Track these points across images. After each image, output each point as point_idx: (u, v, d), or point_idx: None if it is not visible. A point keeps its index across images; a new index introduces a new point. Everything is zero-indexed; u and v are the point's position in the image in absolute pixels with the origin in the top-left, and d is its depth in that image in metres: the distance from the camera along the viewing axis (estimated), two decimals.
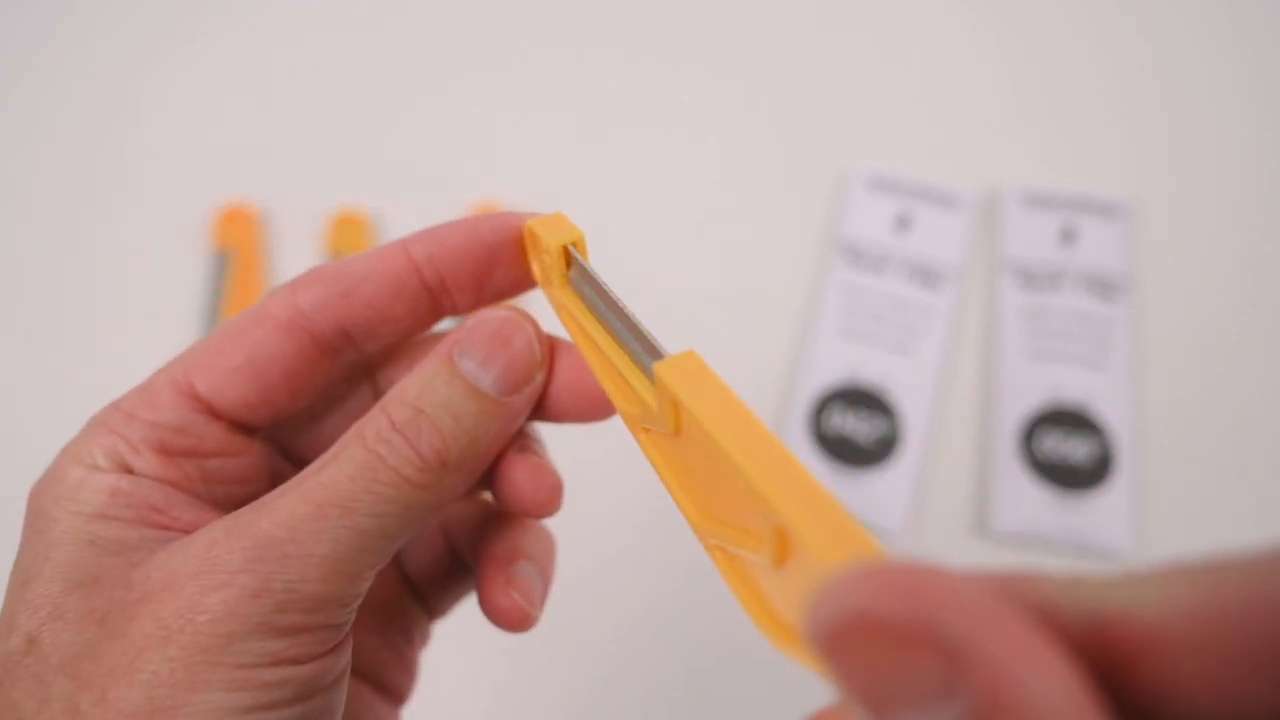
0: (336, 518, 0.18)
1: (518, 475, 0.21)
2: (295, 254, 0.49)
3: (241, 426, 0.21)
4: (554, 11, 0.56)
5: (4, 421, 0.46)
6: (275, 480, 0.22)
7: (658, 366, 0.17)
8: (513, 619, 0.22)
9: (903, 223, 0.49)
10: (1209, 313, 0.47)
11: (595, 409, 0.22)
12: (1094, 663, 0.11)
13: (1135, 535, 0.42)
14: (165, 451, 0.20)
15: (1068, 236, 0.48)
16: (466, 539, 0.25)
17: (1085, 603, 0.11)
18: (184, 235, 0.49)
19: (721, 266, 0.49)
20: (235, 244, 0.48)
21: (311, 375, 0.21)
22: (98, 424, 0.21)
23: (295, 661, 0.18)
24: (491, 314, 0.21)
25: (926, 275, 0.48)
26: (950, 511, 0.44)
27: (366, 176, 0.51)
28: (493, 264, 0.22)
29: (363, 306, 0.21)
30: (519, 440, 0.22)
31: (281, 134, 0.53)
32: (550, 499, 0.22)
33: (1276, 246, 0.49)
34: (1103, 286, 0.47)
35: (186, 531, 0.19)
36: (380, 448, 0.19)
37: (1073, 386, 0.45)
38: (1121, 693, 0.11)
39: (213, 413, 0.21)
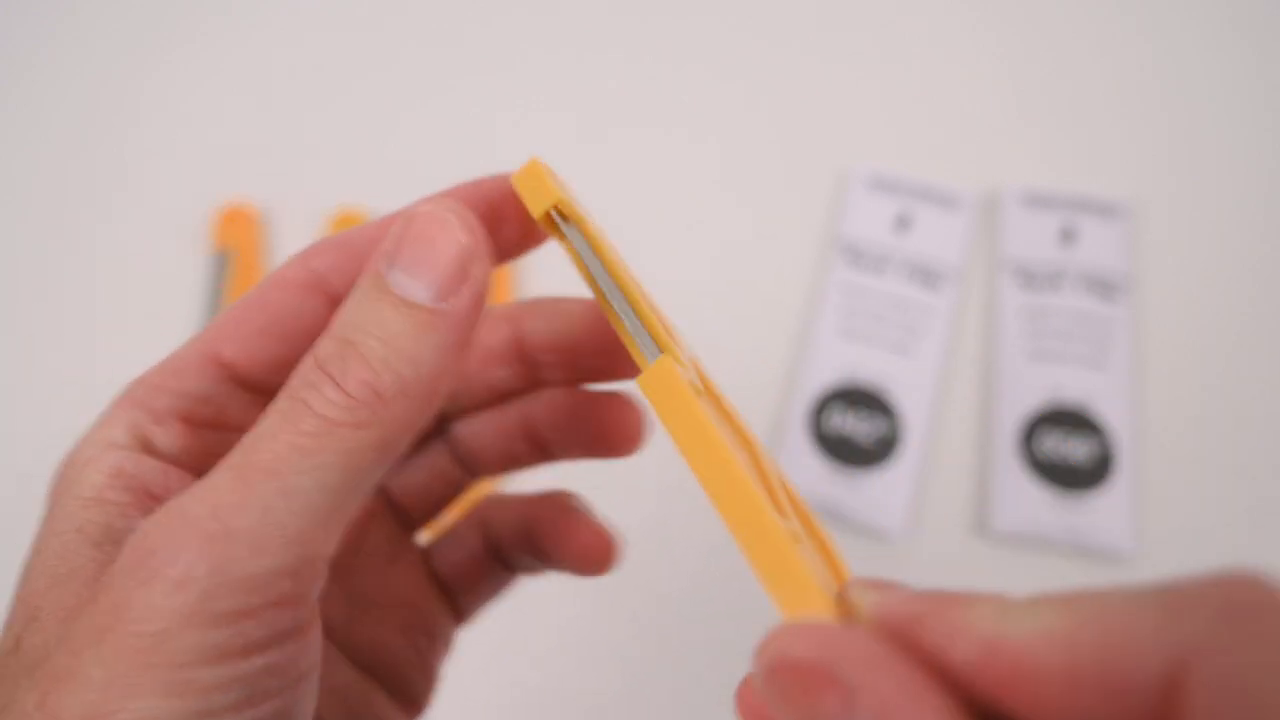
0: (260, 482, 0.16)
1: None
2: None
3: (268, 393, 0.20)
4: (554, 11, 0.56)
5: (4, 421, 0.46)
6: None
7: (639, 381, 0.17)
8: (599, 551, 0.22)
9: (903, 223, 0.49)
10: (1209, 313, 0.47)
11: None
12: (977, 688, 0.13)
13: (1135, 535, 0.42)
14: (191, 422, 0.20)
15: (1068, 236, 0.48)
16: (512, 534, 0.25)
17: (978, 635, 0.13)
18: (184, 235, 0.49)
19: (721, 266, 0.49)
20: (235, 244, 0.48)
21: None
22: (124, 399, 0.20)
23: (241, 654, 0.16)
24: (414, 210, 0.18)
25: (926, 275, 0.48)
26: (950, 511, 0.44)
27: (366, 176, 0.51)
28: (498, 223, 0.21)
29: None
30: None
31: (281, 134, 0.53)
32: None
33: (1277, 246, 0.49)
34: (1103, 286, 0.47)
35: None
36: (303, 391, 0.17)
37: (1073, 386, 0.45)
38: (998, 711, 0.13)
39: (239, 380, 0.20)
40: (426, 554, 0.26)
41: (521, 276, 0.48)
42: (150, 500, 0.19)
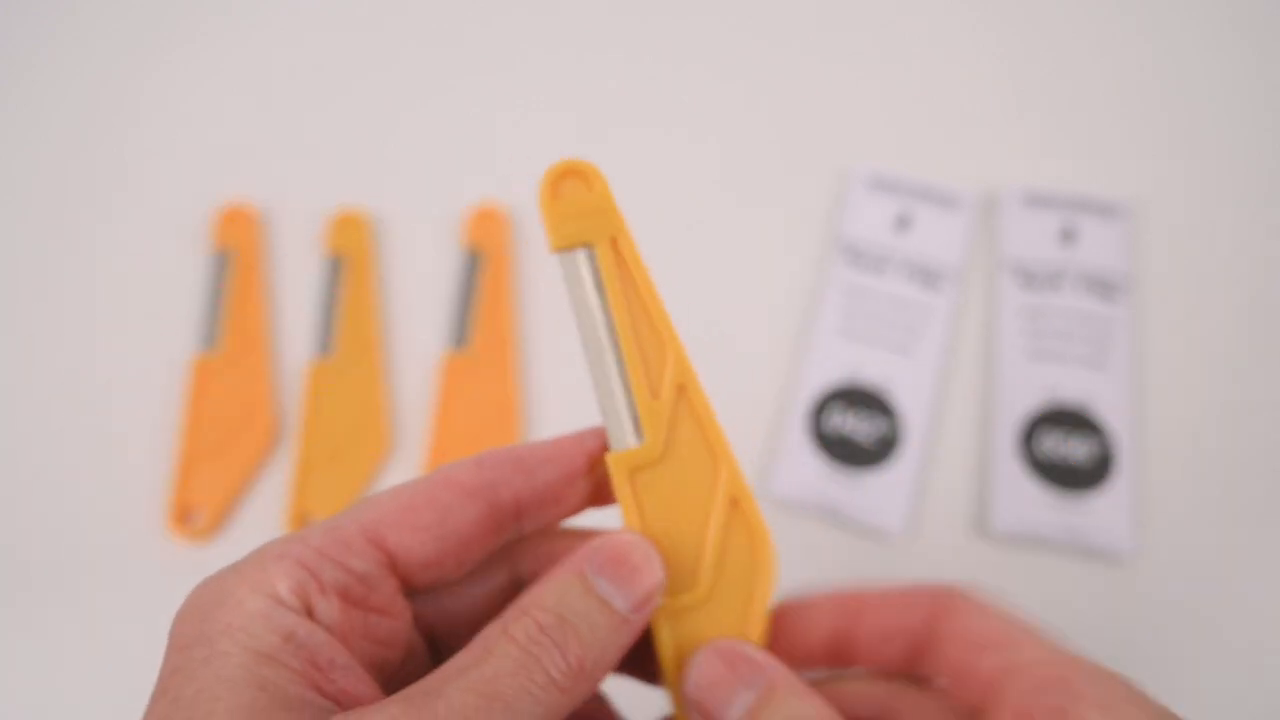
0: (500, 712, 0.19)
1: None
2: (295, 254, 0.49)
3: (410, 586, 0.22)
4: (554, 12, 0.56)
5: (4, 421, 0.46)
6: (410, 648, 0.23)
7: (609, 459, 0.24)
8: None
9: (903, 222, 0.49)
10: (1209, 313, 0.48)
11: None
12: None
13: (1135, 535, 0.42)
14: (347, 599, 0.21)
15: (1068, 236, 0.48)
16: None
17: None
18: (184, 235, 0.49)
19: (721, 266, 0.49)
20: (235, 244, 0.48)
21: (482, 545, 0.23)
22: (281, 554, 0.20)
23: None
24: (619, 537, 0.23)
25: (927, 275, 0.48)
26: (950, 511, 0.44)
27: (366, 176, 0.51)
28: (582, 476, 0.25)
29: (543, 487, 0.24)
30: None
31: (281, 134, 0.53)
32: None
33: (1277, 246, 0.49)
34: (1103, 286, 0.47)
35: (339, 699, 0.20)
36: (534, 648, 0.20)
37: (1073, 386, 0.45)
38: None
39: (393, 568, 0.22)
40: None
41: (521, 277, 0.48)
42: (317, 673, 0.20)
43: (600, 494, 0.25)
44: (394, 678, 0.22)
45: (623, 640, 0.22)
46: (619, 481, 0.24)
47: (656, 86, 0.54)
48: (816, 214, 0.50)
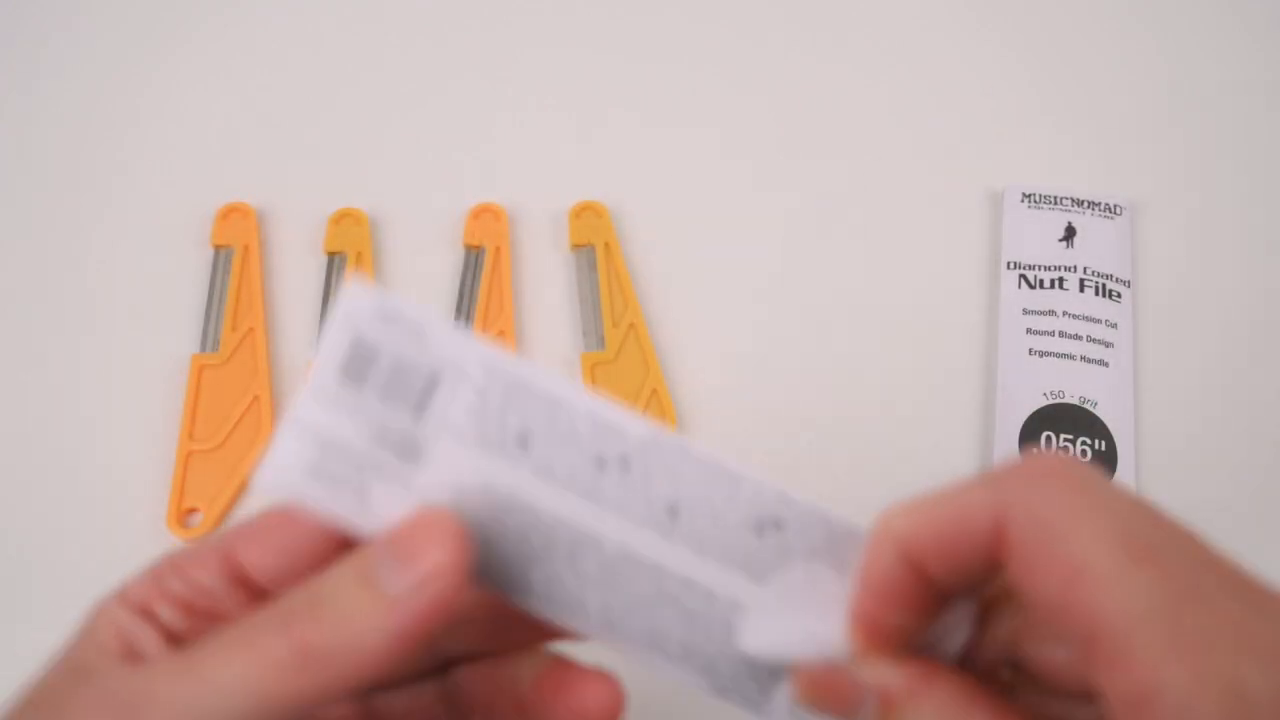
0: (188, 687, 0.19)
1: (576, 693, 0.22)
2: (295, 254, 0.49)
3: (264, 596, 0.22)
4: (554, 12, 0.56)
5: (3, 421, 0.46)
6: None
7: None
8: (606, 702, 0.22)
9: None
10: (1209, 312, 0.47)
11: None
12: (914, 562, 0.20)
13: None
14: (189, 610, 0.22)
15: (1068, 236, 0.48)
16: (481, 697, 0.25)
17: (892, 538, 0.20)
18: (183, 235, 0.49)
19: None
20: (235, 244, 0.48)
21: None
22: (150, 567, 0.22)
23: None
24: (418, 513, 0.20)
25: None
26: None
27: (366, 176, 0.51)
28: None
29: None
30: (542, 656, 0.23)
31: (281, 134, 0.53)
32: (616, 712, 0.22)
33: (1277, 246, 0.49)
34: (1103, 286, 0.47)
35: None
36: (257, 627, 0.19)
37: (1073, 386, 0.45)
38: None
39: (245, 581, 0.22)
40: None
41: (521, 276, 0.48)
42: (131, 655, 0.21)
43: None
44: None
45: (388, 625, 0.19)
46: (585, 371, 0.42)
47: (655, 88, 0.54)
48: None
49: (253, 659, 0.19)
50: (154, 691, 0.19)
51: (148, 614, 0.21)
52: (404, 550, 0.20)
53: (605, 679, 0.23)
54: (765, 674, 0.22)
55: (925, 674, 0.20)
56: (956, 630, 0.21)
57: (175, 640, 0.21)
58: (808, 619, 0.21)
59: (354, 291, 0.20)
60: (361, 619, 0.19)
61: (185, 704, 0.18)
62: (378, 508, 0.21)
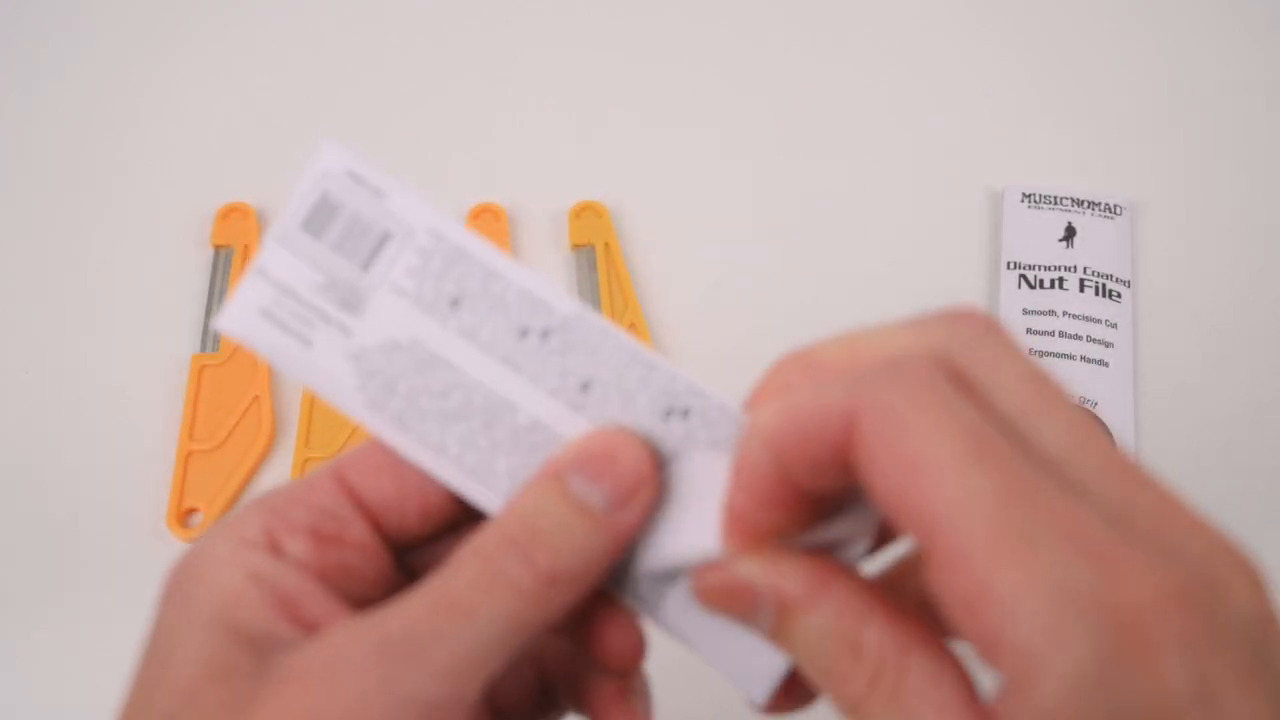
0: (457, 622, 0.19)
1: (606, 626, 0.23)
2: None
3: (383, 531, 0.23)
4: (555, 11, 0.56)
5: (4, 421, 0.46)
6: (397, 591, 0.23)
7: None
8: (628, 647, 0.23)
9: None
10: (1209, 312, 0.47)
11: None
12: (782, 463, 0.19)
13: None
14: (317, 536, 0.22)
15: (1068, 236, 0.48)
16: (564, 674, 0.25)
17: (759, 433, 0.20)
18: (184, 235, 0.49)
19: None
20: (235, 244, 0.48)
21: (446, 494, 0.23)
22: (255, 505, 0.22)
23: None
24: (600, 434, 0.22)
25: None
26: None
27: None
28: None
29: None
30: (607, 600, 0.24)
31: (281, 134, 0.53)
32: (636, 655, 0.23)
33: (1276, 246, 0.49)
34: (1103, 286, 0.47)
35: (313, 628, 0.20)
36: (498, 559, 0.20)
37: (1074, 386, 0.45)
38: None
39: (361, 504, 0.22)
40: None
41: None
42: (288, 604, 0.20)
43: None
44: None
45: (604, 543, 0.21)
46: None
47: (655, 88, 0.54)
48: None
49: (509, 591, 0.20)
50: (426, 634, 0.19)
51: (279, 551, 0.21)
52: (600, 468, 0.21)
53: (631, 622, 0.23)
54: (658, 574, 0.22)
55: (822, 578, 0.19)
56: (856, 537, 0.21)
57: (320, 576, 0.21)
58: (695, 510, 0.22)
59: (331, 151, 0.22)
60: (585, 540, 0.20)
61: (465, 639, 0.19)
62: (318, 352, 0.22)
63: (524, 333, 0.22)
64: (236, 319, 0.22)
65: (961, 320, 0.19)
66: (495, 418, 0.22)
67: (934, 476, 0.16)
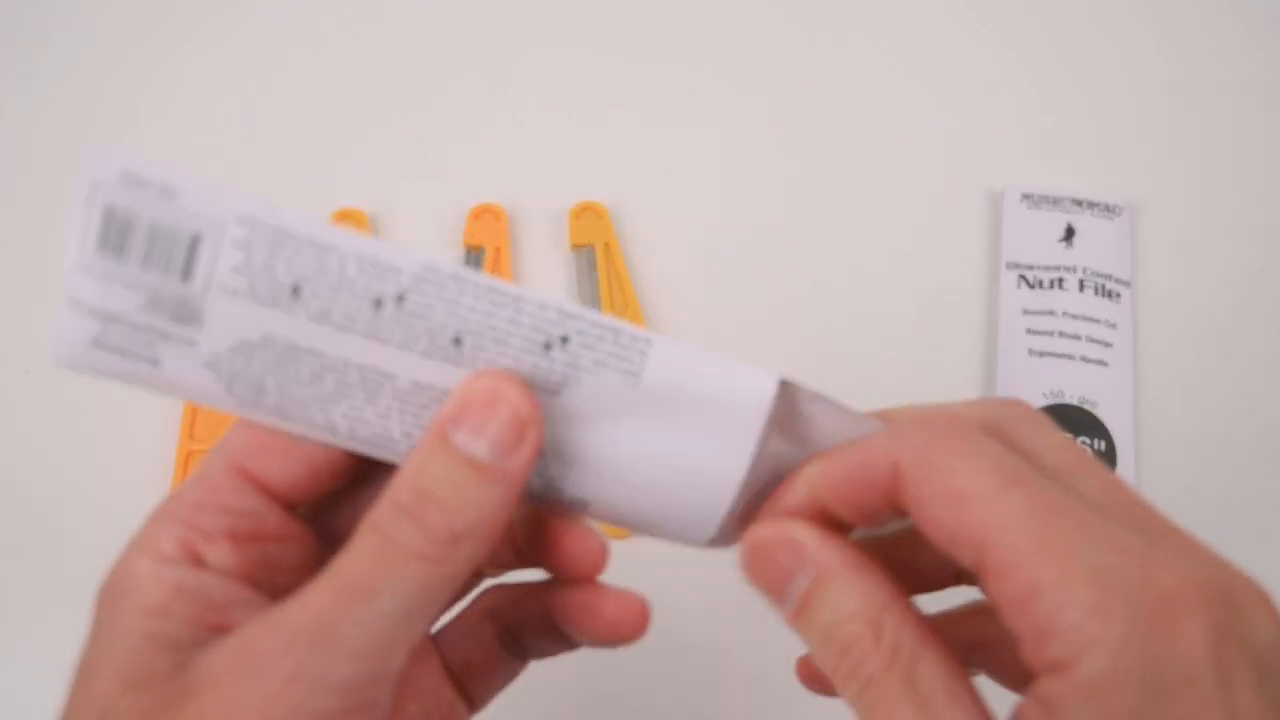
0: (360, 604, 0.19)
1: (565, 540, 0.24)
2: None
3: (293, 505, 0.23)
4: (553, 12, 0.56)
5: (4, 421, 0.46)
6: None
7: None
8: (631, 617, 0.24)
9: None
10: (1209, 312, 0.48)
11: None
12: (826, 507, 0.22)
13: None
14: (235, 538, 0.21)
15: (1068, 236, 0.48)
16: (528, 620, 0.26)
17: (803, 485, 0.22)
18: None
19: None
20: None
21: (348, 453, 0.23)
22: (164, 516, 0.21)
23: None
24: (475, 383, 0.21)
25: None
26: None
27: (366, 177, 0.51)
28: None
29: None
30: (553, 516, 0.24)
31: (281, 134, 0.53)
32: (598, 560, 0.24)
33: (1276, 246, 0.49)
34: (1103, 286, 0.47)
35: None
36: (391, 529, 0.20)
37: (1073, 386, 0.45)
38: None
39: (268, 492, 0.22)
40: (439, 650, 0.27)
41: (521, 277, 0.48)
42: (212, 614, 0.20)
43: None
44: None
45: (499, 494, 0.20)
46: None
47: (655, 88, 0.54)
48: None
49: (407, 561, 0.20)
50: (332, 620, 0.19)
51: (199, 563, 0.21)
52: (478, 417, 0.20)
53: (632, 595, 0.24)
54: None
55: (859, 560, 0.21)
56: None
57: (245, 579, 0.21)
58: (595, 431, 0.22)
59: (95, 157, 0.19)
60: (476, 493, 0.20)
61: (370, 618, 0.19)
62: (170, 368, 0.21)
63: (378, 303, 0.20)
64: (66, 355, 0.21)
65: (1007, 402, 0.22)
66: (376, 390, 0.21)
67: (977, 504, 0.19)
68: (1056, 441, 0.21)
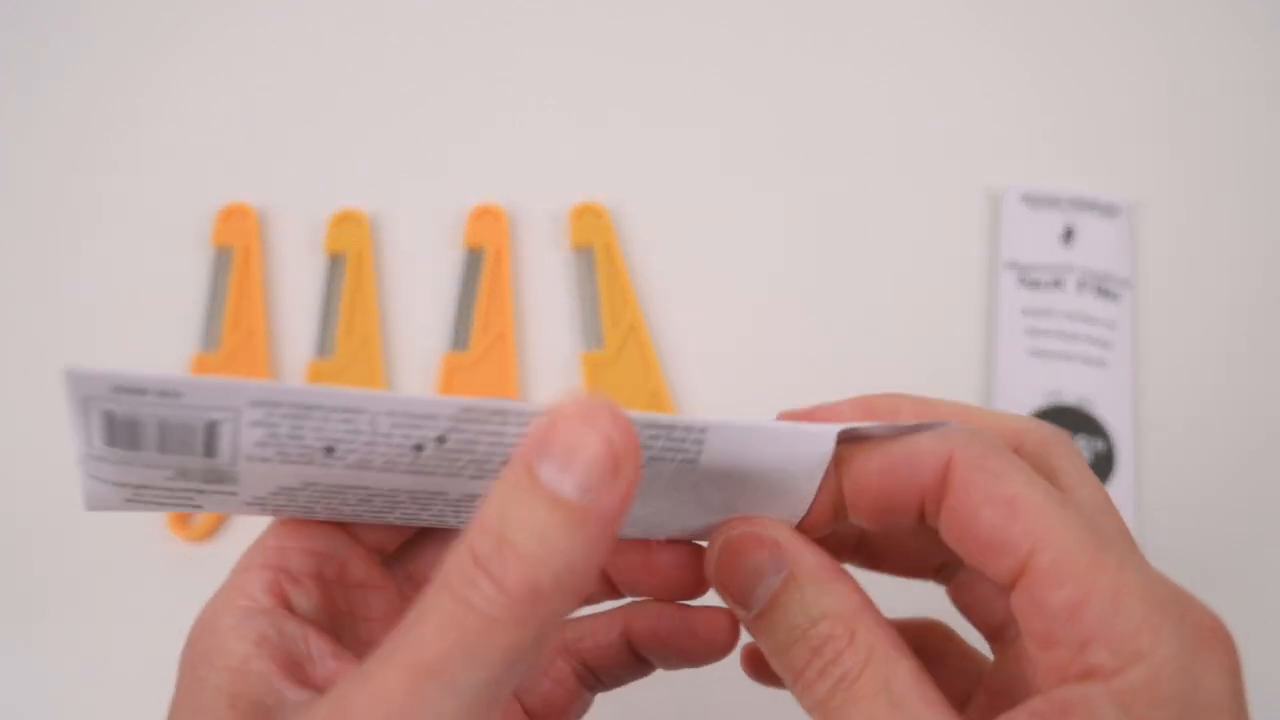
0: (431, 686, 0.17)
1: (660, 559, 0.24)
2: (295, 254, 0.49)
3: (378, 550, 0.22)
4: (553, 12, 0.56)
5: (4, 421, 0.46)
6: None
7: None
8: (724, 630, 0.24)
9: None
10: (1209, 313, 0.48)
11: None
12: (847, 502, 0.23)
13: (1136, 534, 0.42)
14: (320, 580, 0.21)
15: (1068, 236, 0.48)
16: (608, 651, 0.25)
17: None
18: (184, 235, 0.49)
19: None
20: (235, 244, 0.48)
21: None
22: (250, 561, 0.21)
23: None
24: (564, 406, 0.18)
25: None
26: None
27: (366, 176, 0.51)
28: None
29: None
30: (656, 604, 0.24)
31: (281, 134, 0.53)
32: (699, 575, 0.23)
33: (1277, 246, 0.49)
34: (1103, 286, 0.47)
35: (323, 687, 0.19)
36: (465, 590, 0.17)
37: (1073, 386, 0.45)
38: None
39: (356, 538, 0.22)
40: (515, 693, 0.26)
41: (521, 277, 0.48)
42: (295, 667, 0.20)
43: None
44: None
45: (590, 538, 0.17)
46: (585, 371, 0.43)
47: (655, 88, 0.54)
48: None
49: (483, 628, 0.17)
50: (402, 710, 0.17)
51: (288, 607, 0.20)
52: (566, 447, 0.17)
53: (720, 609, 0.24)
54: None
55: (835, 566, 0.22)
56: None
57: (328, 628, 0.20)
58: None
59: (80, 379, 0.17)
60: (565, 539, 0.17)
61: (446, 703, 0.17)
62: (214, 507, 0.21)
63: (419, 447, 0.19)
64: (100, 507, 0.20)
65: (1050, 428, 0.24)
66: (428, 502, 0.21)
67: (1032, 512, 0.19)
68: (1090, 480, 0.22)
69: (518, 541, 0.17)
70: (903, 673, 0.20)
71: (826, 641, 0.20)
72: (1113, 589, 0.18)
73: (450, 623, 0.17)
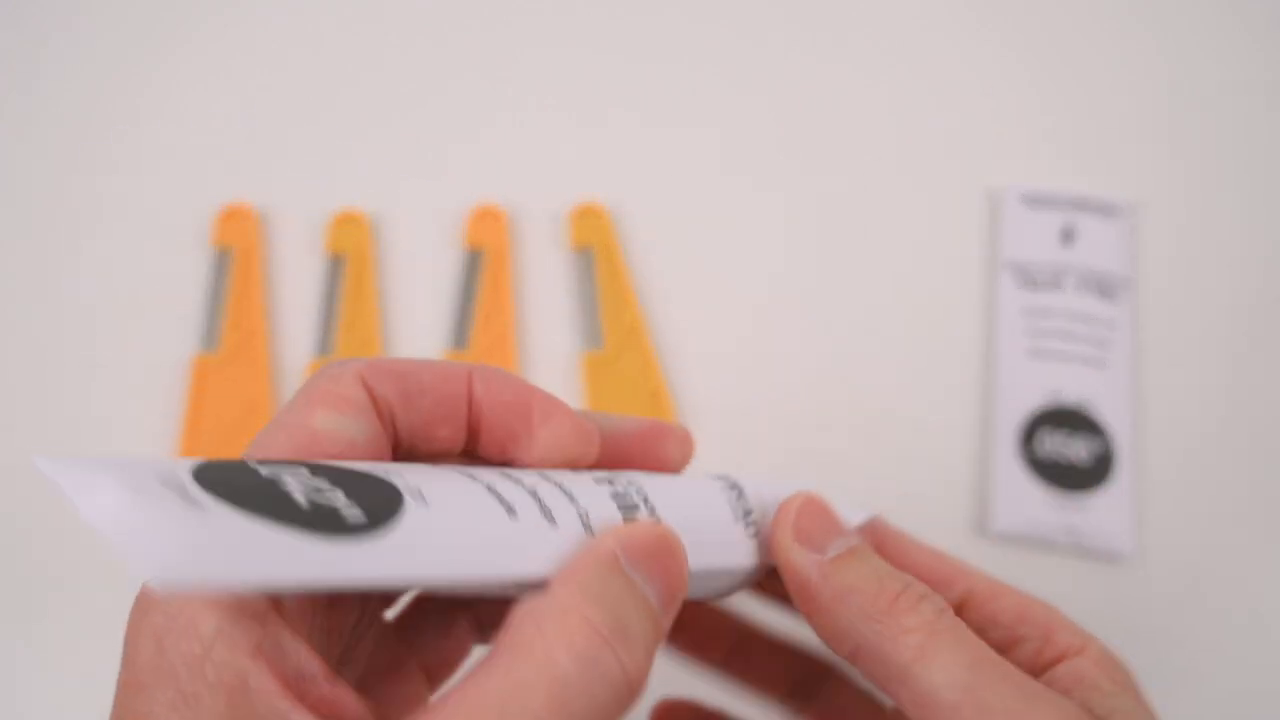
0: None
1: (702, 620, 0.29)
2: (295, 254, 0.49)
3: None
4: (553, 12, 0.56)
5: (3, 421, 0.46)
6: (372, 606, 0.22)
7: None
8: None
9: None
10: (1209, 313, 0.48)
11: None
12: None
13: (1136, 535, 0.42)
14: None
15: (1068, 236, 0.48)
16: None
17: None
18: (184, 235, 0.49)
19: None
20: (235, 244, 0.48)
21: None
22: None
23: None
24: (647, 526, 0.20)
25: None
26: (948, 511, 0.44)
27: (366, 176, 0.51)
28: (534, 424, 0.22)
29: (417, 416, 0.21)
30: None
31: (281, 134, 0.53)
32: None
33: (1277, 246, 0.49)
34: (1103, 286, 0.47)
35: (320, 708, 0.17)
36: (594, 651, 0.17)
37: (1073, 386, 0.45)
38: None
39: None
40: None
41: (521, 277, 0.48)
42: (295, 684, 0.17)
43: (473, 442, 0.22)
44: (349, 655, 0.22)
45: (659, 636, 0.19)
46: (585, 371, 0.43)
47: (655, 88, 0.54)
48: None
49: (599, 694, 0.17)
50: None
51: (278, 607, 0.18)
52: (660, 563, 0.19)
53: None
54: None
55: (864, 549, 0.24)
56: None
57: (311, 639, 0.19)
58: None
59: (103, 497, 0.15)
60: (651, 638, 0.18)
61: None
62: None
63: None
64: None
65: (1121, 667, 0.25)
66: None
67: (945, 560, 0.29)
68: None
69: (634, 632, 0.18)
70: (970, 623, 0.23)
71: (910, 584, 0.22)
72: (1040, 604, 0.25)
73: (566, 687, 0.17)
